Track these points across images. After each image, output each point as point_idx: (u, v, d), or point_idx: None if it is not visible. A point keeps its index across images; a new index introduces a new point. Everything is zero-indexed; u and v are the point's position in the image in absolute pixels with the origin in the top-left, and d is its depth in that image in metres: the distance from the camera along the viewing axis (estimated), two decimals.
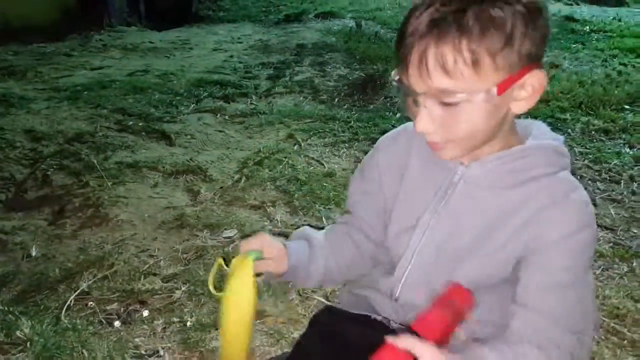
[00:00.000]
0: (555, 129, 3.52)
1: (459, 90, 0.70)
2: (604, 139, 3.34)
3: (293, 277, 0.91)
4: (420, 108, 0.74)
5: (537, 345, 0.76)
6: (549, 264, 0.78)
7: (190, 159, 2.89)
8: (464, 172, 0.83)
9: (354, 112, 3.71)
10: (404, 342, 0.66)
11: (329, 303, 1.69)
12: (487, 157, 0.81)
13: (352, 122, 3.50)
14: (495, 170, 0.80)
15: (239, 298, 0.82)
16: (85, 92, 3.97)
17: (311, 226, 1.05)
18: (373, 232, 0.95)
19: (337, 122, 3.51)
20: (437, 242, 0.85)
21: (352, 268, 0.96)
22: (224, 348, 0.86)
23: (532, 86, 0.74)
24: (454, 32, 0.67)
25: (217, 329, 1.63)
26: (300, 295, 1.82)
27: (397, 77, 0.75)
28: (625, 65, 5.02)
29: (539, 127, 0.86)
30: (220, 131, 3.38)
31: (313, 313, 1.18)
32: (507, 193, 0.81)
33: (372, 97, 4.00)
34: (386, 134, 0.96)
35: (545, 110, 3.72)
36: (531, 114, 0.90)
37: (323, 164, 2.89)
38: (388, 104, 3.90)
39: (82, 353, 1.50)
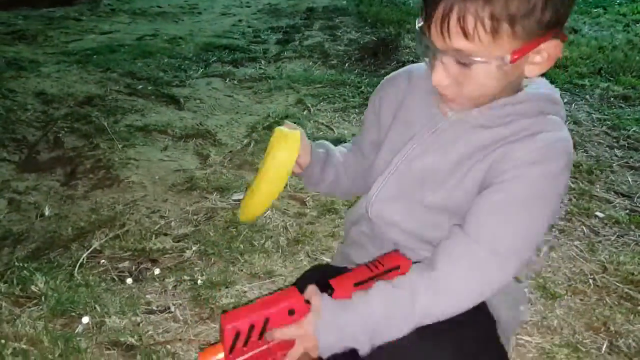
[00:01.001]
0: (572, 94, 3.48)
1: (475, 53, 0.72)
2: (623, 105, 3.26)
3: (310, 173, 0.99)
4: (437, 62, 0.76)
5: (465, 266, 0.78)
6: (499, 188, 0.79)
7: (200, 123, 2.87)
8: (459, 111, 0.86)
9: (364, 77, 3.65)
10: (309, 291, 0.79)
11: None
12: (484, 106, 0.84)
13: (363, 87, 3.44)
14: (485, 113, 0.83)
15: (284, 159, 0.88)
16: (94, 56, 3.95)
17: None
18: (368, 160, 1.03)
19: (348, 87, 3.46)
20: (413, 164, 0.89)
21: (356, 181, 1.05)
22: (251, 198, 0.93)
23: (547, 53, 0.76)
24: (479, 1, 0.68)
25: (227, 287, 1.64)
26: (309, 256, 1.82)
27: (419, 26, 0.77)
28: None
29: (538, 80, 0.87)
30: (229, 96, 3.34)
31: None
32: (492, 130, 0.83)
33: (383, 61, 3.92)
34: (391, 74, 1.02)
35: (563, 76, 3.63)
36: (548, 79, 0.90)
37: (332, 129, 2.86)
38: (400, 69, 3.82)
39: (95, 308, 1.52)
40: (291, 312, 0.76)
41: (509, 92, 0.82)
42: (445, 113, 0.87)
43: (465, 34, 0.70)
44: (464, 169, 0.84)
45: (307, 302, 0.78)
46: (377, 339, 0.78)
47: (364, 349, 0.78)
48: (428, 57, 0.79)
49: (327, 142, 1.05)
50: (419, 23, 0.77)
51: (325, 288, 0.80)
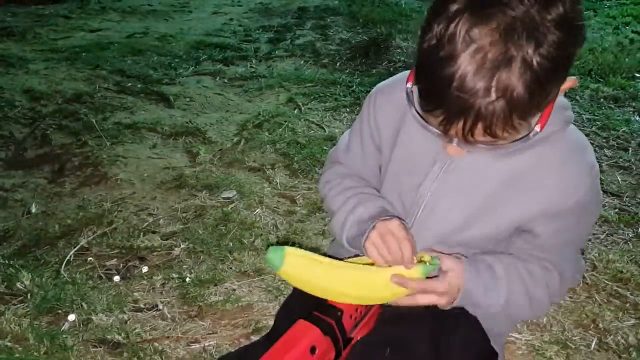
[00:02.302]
0: (563, 96, 3.50)
1: (501, 142, 0.67)
2: (613, 106, 3.28)
3: None
4: (453, 144, 0.69)
5: (546, 268, 0.85)
6: (560, 224, 0.81)
7: (189, 121, 2.85)
8: None
9: (356, 77, 3.64)
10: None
11: None
12: None
13: (354, 87, 3.43)
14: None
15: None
16: (83, 54, 3.91)
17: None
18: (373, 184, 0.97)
19: (339, 86, 3.45)
20: (434, 205, 0.86)
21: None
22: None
23: (561, 90, 0.72)
24: (505, 109, 0.61)
25: (216, 285, 1.62)
26: None
27: (419, 108, 0.69)
28: (638, 33, 4.90)
29: None
30: (219, 94, 3.32)
31: None
32: (512, 157, 0.79)
33: (374, 61, 3.92)
34: (381, 87, 0.94)
35: None
36: None
37: (323, 128, 2.85)
38: (391, 69, 3.82)
39: (82, 305, 1.50)
40: (313, 350, 0.71)
41: None
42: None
43: (494, 137, 0.65)
44: (500, 206, 0.82)
45: (325, 334, 0.74)
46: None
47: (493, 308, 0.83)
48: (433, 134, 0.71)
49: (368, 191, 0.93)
50: (413, 96, 0.69)
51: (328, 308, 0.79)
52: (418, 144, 0.86)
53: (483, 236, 0.85)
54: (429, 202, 0.86)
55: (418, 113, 0.69)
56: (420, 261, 0.80)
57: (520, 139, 0.68)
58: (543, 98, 0.64)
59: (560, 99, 0.81)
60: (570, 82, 0.70)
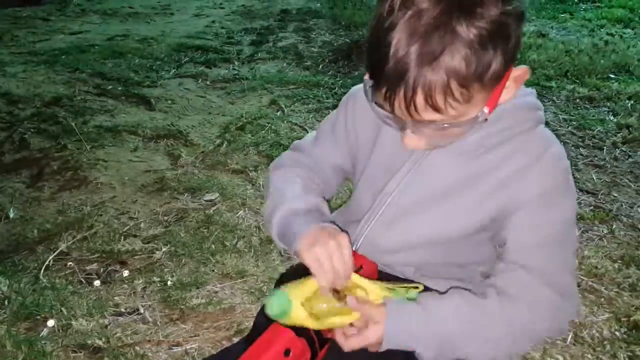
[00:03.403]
0: (540, 96, 3.56)
1: (449, 120, 0.67)
2: (588, 106, 3.35)
3: None
4: (406, 131, 0.71)
5: (512, 295, 0.77)
6: (534, 219, 0.78)
7: (171, 124, 2.84)
8: None
9: (338, 79, 3.66)
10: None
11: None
12: None
13: (337, 89, 3.45)
14: (469, 138, 0.79)
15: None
16: (63, 56, 3.87)
17: None
18: (326, 184, 0.94)
19: (322, 88, 3.47)
20: (401, 202, 0.85)
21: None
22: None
23: (514, 80, 0.72)
24: (442, 74, 0.62)
25: (198, 288, 1.62)
26: (281, 256, 1.82)
27: (372, 94, 0.69)
28: (612, 35, 5.01)
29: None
30: (201, 96, 3.31)
31: None
32: (482, 157, 0.80)
33: (357, 63, 3.95)
34: (360, 87, 0.90)
35: (532, 78, 3.70)
36: None
37: (307, 130, 2.86)
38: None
39: (61, 310, 1.49)
40: (287, 353, 0.71)
41: None
42: None
43: (437, 109, 0.65)
44: (462, 202, 0.81)
45: (299, 335, 0.73)
46: (446, 351, 0.76)
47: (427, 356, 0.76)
48: (390, 121, 0.72)
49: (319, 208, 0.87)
50: (373, 95, 0.69)
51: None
52: (393, 148, 0.86)
53: (447, 238, 0.84)
54: (392, 201, 0.86)
55: (376, 103, 0.70)
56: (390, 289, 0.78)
57: (470, 121, 0.68)
58: (482, 68, 0.63)
59: (533, 100, 0.82)
60: (521, 70, 0.71)
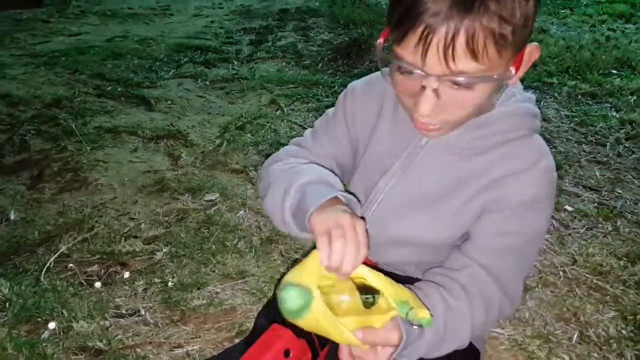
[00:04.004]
0: (542, 92, 3.55)
1: (481, 73, 0.65)
2: (590, 102, 3.33)
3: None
4: (426, 91, 0.67)
5: (474, 295, 0.77)
6: (503, 226, 0.78)
7: (171, 124, 2.83)
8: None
9: (337, 77, 3.65)
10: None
11: None
12: None
13: (336, 87, 3.44)
14: (462, 137, 0.79)
15: None
16: (63, 58, 3.86)
17: None
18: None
19: (321, 87, 3.46)
20: (391, 200, 0.84)
21: None
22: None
23: (529, 55, 0.71)
24: (488, 18, 0.61)
25: (199, 289, 1.61)
26: (282, 256, 1.81)
27: (396, 55, 0.67)
28: (613, 30, 5.00)
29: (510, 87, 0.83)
30: (201, 96, 3.30)
31: None
32: (474, 159, 0.79)
33: (356, 62, 3.93)
34: (358, 82, 0.92)
35: (533, 74, 3.69)
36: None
37: (306, 129, 2.84)
38: (373, 69, 3.80)
39: (62, 313, 1.48)
40: (287, 353, 0.70)
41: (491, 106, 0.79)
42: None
43: (475, 55, 0.62)
44: (451, 204, 0.81)
45: (299, 336, 0.71)
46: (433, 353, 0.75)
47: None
48: (405, 85, 0.70)
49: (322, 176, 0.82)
50: (395, 54, 0.66)
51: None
52: (387, 143, 0.86)
53: (436, 239, 0.83)
54: (386, 197, 0.85)
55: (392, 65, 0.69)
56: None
57: (498, 78, 0.67)
58: (522, 19, 0.63)
59: (531, 107, 0.81)
60: (533, 46, 0.71)
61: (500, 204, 0.78)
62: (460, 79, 0.65)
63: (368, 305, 0.66)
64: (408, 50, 0.65)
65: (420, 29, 0.62)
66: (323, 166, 0.86)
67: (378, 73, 0.90)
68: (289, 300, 0.63)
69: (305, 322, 0.64)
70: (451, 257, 0.81)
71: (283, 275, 1.01)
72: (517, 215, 0.77)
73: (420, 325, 0.67)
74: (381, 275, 0.67)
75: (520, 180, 0.77)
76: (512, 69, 0.68)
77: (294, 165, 0.84)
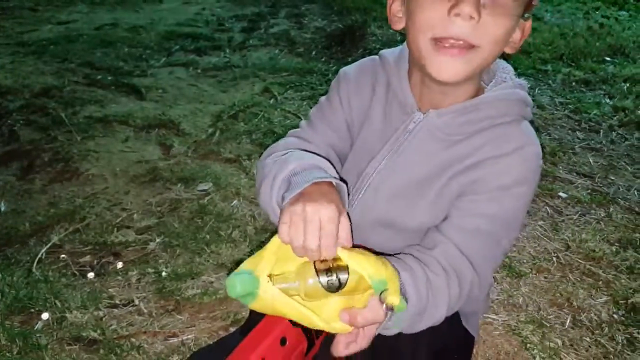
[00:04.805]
0: (536, 79, 3.55)
1: None
2: (584, 89, 3.34)
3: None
4: None
5: (450, 271, 0.76)
6: (479, 208, 0.77)
7: (162, 113, 2.80)
8: (420, 121, 0.81)
9: (331, 65, 3.63)
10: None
11: None
12: (446, 108, 0.79)
13: (330, 75, 3.42)
14: (451, 122, 0.79)
15: None
16: (51, 47, 3.80)
17: None
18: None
19: (315, 75, 3.44)
20: (378, 184, 0.84)
21: None
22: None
23: (522, 31, 0.75)
24: None
25: (192, 279, 1.61)
26: None
27: None
28: (607, 17, 5.00)
29: (503, 71, 0.83)
30: (192, 85, 3.27)
31: None
32: (460, 143, 0.79)
33: (350, 49, 3.90)
34: (350, 67, 0.91)
35: (527, 62, 3.69)
36: (513, 65, 0.87)
37: (300, 117, 2.83)
38: (366, 56, 3.81)
39: (55, 303, 1.47)
40: (283, 342, 0.69)
41: (477, 81, 0.80)
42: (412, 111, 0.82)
43: None
44: (435, 186, 0.80)
45: (295, 325, 0.69)
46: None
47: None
48: (440, 4, 0.68)
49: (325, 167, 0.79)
50: None
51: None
52: (378, 127, 0.86)
53: (421, 220, 0.83)
54: (373, 181, 0.85)
55: None
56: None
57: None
58: None
59: (523, 94, 0.81)
60: (528, 22, 0.75)
61: (479, 185, 0.77)
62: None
63: (333, 288, 0.65)
64: None
65: None
66: (321, 155, 0.83)
67: (368, 58, 0.91)
68: (230, 287, 0.64)
69: (257, 306, 0.66)
70: (428, 234, 0.81)
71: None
72: (494, 198, 0.76)
73: (391, 309, 0.66)
74: (359, 254, 0.66)
75: (501, 164, 0.76)
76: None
77: (283, 154, 0.81)
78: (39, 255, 1.69)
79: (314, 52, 3.93)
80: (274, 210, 0.74)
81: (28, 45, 3.85)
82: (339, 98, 0.89)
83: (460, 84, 0.77)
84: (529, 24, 0.76)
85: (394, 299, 0.65)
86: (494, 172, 0.76)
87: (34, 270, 1.62)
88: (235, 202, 2.03)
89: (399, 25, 0.80)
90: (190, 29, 4.38)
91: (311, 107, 3.11)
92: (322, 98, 0.94)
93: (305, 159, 0.76)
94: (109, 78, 3.25)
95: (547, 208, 2.06)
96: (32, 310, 1.45)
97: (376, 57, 0.90)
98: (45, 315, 1.43)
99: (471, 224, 0.77)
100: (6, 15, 4.76)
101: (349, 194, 0.80)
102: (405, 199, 0.83)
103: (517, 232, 0.84)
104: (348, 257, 0.65)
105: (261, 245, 1.76)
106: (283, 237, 0.64)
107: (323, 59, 3.79)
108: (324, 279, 0.64)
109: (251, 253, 1.75)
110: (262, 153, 2.24)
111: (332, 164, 0.80)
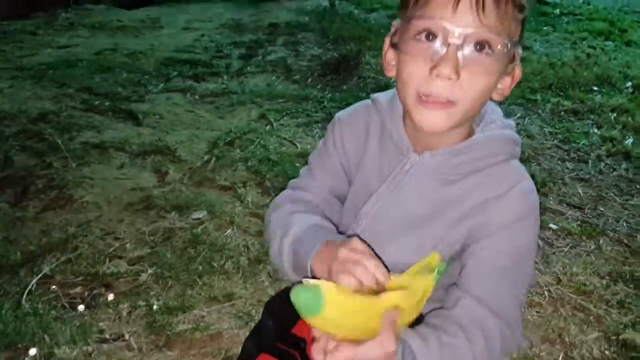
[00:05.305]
0: (526, 109, 3.59)
1: (500, 32, 0.70)
2: (572, 119, 3.39)
3: None
4: (449, 50, 0.69)
5: (468, 328, 0.76)
6: (491, 250, 0.79)
7: (159, 139, 2.82)
8: (415, 162, 0.83)
9: (327, 92, 3.67)
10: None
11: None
12: (439, 150, 0.81)
13: (325, 102, 3.46)
14: (445, 163, 0.81)
15: None
16: (50, 71, 3.83)
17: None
18: (330, 211, 0.93)
19: (310, 102, 3.48)
20: (377, 222, 0.86)
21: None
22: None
23: (512, 78, 0.77)
24: None
25: (184, 312, 1.60)
26: (270, 277, 1.80)
27: (423, 17, 0.71)
28: (594, 48, 5.09)
29: (492, 112, 0.86)
30: (190, 111, 3.30)
31: None
32: (456, 183, 0.81)
33: (345, 77, 3.96)
34: (344, 112, 0.94)
35: (517, 91, 3.74)
36: None
37: (296, 144, 2.85)
38: (361, 84, 3.87)
39: (44, 338, 1.46)
40: None
41: (470, 124, 0.81)
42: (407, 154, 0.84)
43: (499, 10, 0.68)
44: (434, 227, 0.82)
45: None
46: None
47: None
48: (422, 51, 0.71)
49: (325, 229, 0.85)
50: (419, 15, 0.71)
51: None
52: (374, 168, 0.88)
53: (424, 257, 0.83)
54: (370, 222, 0.86)
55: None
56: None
57: (510, 49, 0.72)
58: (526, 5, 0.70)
59: (511, 134, 0.83)
60: (520, 68, 0.77)
61: (486, 229, 0.79)
62: (484, 32, 0.69)
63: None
64: (438, 5, 0.69)
65: None
66: (322, 200, 0.91)
67: (362, 102, 0.94)
68: (298, 297, 0.61)
69: (328, 314, 0.62)
70: (448, 292, 0.82)
71: (270, 297, 0.99)
72: (505, 238, 0.78)
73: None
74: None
75: (503, 203, 0.78)
76: (520, 48, 0.74)
77: (286, 216, 0.87)
78: (29, 287, 1.68)
79: (310, 80, 3.98)
80: (286, 272, 0.82)
81: (27, 69, 3.89)
82: (334, 142, 0.92)
83: (450, 130, 0.79)
84: (518, 70, 0.77)
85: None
86: (498, 212, 0.78)
87: (23, 302, 1.61)
88: (229, 231, 2.03)
89: (391, 73, 0.82)
90: (188, 55, 4.43)
91: (307, 134, 3.14)
92: (320, 142, 0.97)
93: (303, 223, 0.82)
94: (107, 103, 3.28)
95: (539, 240, 2.07)
96: (20, 345, 1.44)
97: (369, 101, 0.92)
98: (32, 351, 1.41)
99: (488, 270, 0.79)
100: (6, 39, 4.81)
101: (348, 235, 0.84)
102: (403, 238, 0.84)
103: (532, 265, 0.85)
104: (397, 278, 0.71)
105: (254, 277, 1.77)
106: (347, 281, 0.67)
107: (319, 86, 3.84)
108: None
109: (244, 285, 1.75)
110: (257, 180, 2.24)
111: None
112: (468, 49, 0.70)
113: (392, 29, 0.77)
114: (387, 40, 0.79)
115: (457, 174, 0.81)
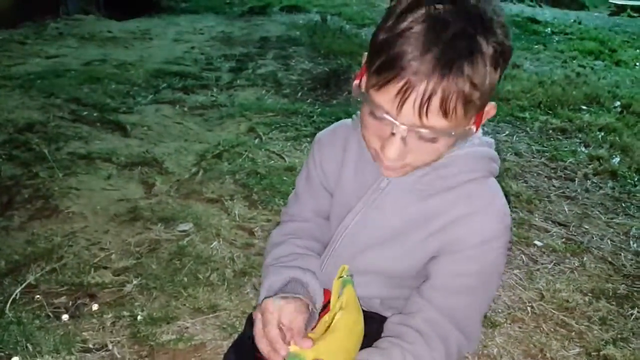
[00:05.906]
0: (514, 127, 3.63)
1: (447, 129, 0.69)
2: (560, 137, 3.44)
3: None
4: (396, 137, 0.70)
5: (429, 335, 0.80)
6: (459, 267, 0.81)
7: (146, 151, 2.82)
8: (392, 179, 0.85)
9: (316, 107, 3.70)
10: None
11: None
12: None
13: (315, 117, 3.48)
14: (421, 179, 0.83)
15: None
16: (38, 81, 3.81)
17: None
18: (322, 231, 0.98)
19: (300, 116, 3.50)
20: (354, 235, 0.89)
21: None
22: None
23: (485, 116, 0.77)
24: (463, 81, 0.65)
25: (168, 323, 1.59)
26: (255, 289, 1.80)
27: (372, 100, 0.69)
28: (583, 67, 5.20)
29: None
30: (178, 123, 3.30)
31: None
32: (431, 199, 0.83)
33: (335, 92, 4.00)
34: (322, 136, 0.97)
35: (506, 109, 3.80)
36: None
37: (284, 158, 2.87)
38: (351, 99, 3.90)
39: (27, 347, 1.44)
40: None
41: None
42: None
43: (446, 114, 0.66)
44: (409, 241, 0.84)
45: None
46: None
47: None
48: (374, 128, 0.73)
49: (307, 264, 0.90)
50: (374, 100, 0.69)
51: None
52: (351, 187, 0.91)
53: (397, 273, 0.88)
54: (349, 233, 0.90)
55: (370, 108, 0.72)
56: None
57: (461, 134, 0.72)
58: (489, 84, 0.68)
59: (489, 151, 0.85)
60: (492, 105, 0.76)
61: (457, 244, 0.81)
62: (428, 133, 0.69)
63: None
64: (385, 98, 0.68)
65: (401, 83, 0.65)
66: (311, 224, 0.99)
67: (342, 121, 0.97)
68: None
69: None
70: (410, 299, 0.85)
71: (254, 308, 1.02)
72: (473, 256, 0.80)
73: None
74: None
75: (475, 221, 0.80)
76: (473, 127, 0.73)
77: (266, 266, 0.93)
78: (13, 296, 1.66)
79: (299, 94, 4.01)
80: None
81: (15, 78, 3.87)
82: (314, 163, 0.97)
83: None
84: (491, 108, 0.75)
85: None
86: (470, 229, 0.80)
87: (7, 311, 1.59)
88: (215, 243, 2.03)
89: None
90: (178, 67, 4.45)
91: (296, 148, 3.16)
92: (304, 163, 1.01)
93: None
94: (95, 114, 3.27)
95: (523, 256, 2.10)
96: (2, 354, 1.42)
97: (349, 120, 0.95)
98: None
99: (452, 284, 0.81)
100: None
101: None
102: (380, 247, 0.87)
103: (498, 283, 0.87)
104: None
105: (239, 289, 1.76)
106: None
107: (308, 101, 3.87)
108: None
109: (229, 297, 1.75)
110: (244, 194, 2.24)
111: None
112: (411, 138, 0.70)
113: (362, 66, 0.75)
114: (356, 78, 0.77)
115: (433, 189, 0.83)
